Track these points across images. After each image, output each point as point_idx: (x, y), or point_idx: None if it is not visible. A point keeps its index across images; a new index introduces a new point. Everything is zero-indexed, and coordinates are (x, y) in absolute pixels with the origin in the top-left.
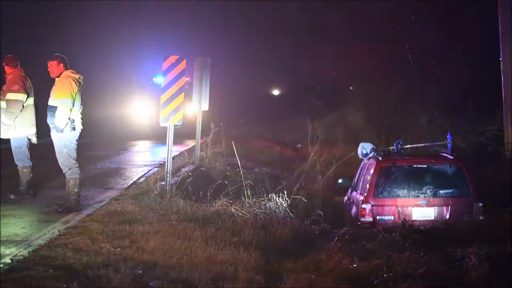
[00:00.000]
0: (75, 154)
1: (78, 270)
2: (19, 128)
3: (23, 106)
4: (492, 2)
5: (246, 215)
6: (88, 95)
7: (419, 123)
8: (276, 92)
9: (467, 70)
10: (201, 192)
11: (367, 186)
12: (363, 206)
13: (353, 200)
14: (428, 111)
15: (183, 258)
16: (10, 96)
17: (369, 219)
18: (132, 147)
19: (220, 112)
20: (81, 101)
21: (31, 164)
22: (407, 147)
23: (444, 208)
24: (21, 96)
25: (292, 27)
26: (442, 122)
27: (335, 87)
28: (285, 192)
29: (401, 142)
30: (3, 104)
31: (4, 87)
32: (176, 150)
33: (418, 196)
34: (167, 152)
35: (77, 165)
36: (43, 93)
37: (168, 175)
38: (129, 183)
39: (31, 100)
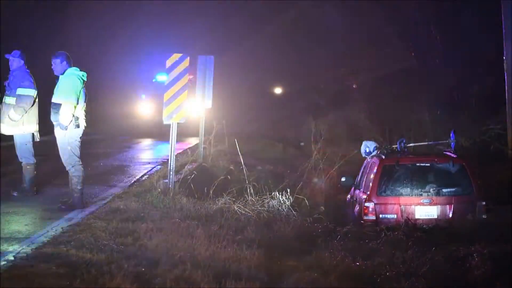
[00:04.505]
0: (79, 152)
1: (81, 267)
2: (26, 125)
3: (34, 102)
4: (496, 0)
5: (249, 213)
6: (91, 93)
7: (423, 121)
8: (279, 90)
9: (471, 69)
10: (205, 189)
11: (370, 184)
12: (366, 204)
13: (356, 199)
14: (432, 109)
15: (186, 255)
16: (21, 91)
17: (372, 217)
18: (135, 145)
19: (223, 110)
20: (85, 99)
21: (35, 161)
22: (410, 146)
23: (447, 206)
24: (32, 92)
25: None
26: (446, 120)
27: (339, 86)
28: (288, 190)
29: (404, 141)
30: (11, 99)
31: (10, 83)
32: (179, 148)
33: (421, 195)
34: (170, 149)
35: (81, 163)
36: (47, 90)
37: (171, 172)
38: (132, 181)
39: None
